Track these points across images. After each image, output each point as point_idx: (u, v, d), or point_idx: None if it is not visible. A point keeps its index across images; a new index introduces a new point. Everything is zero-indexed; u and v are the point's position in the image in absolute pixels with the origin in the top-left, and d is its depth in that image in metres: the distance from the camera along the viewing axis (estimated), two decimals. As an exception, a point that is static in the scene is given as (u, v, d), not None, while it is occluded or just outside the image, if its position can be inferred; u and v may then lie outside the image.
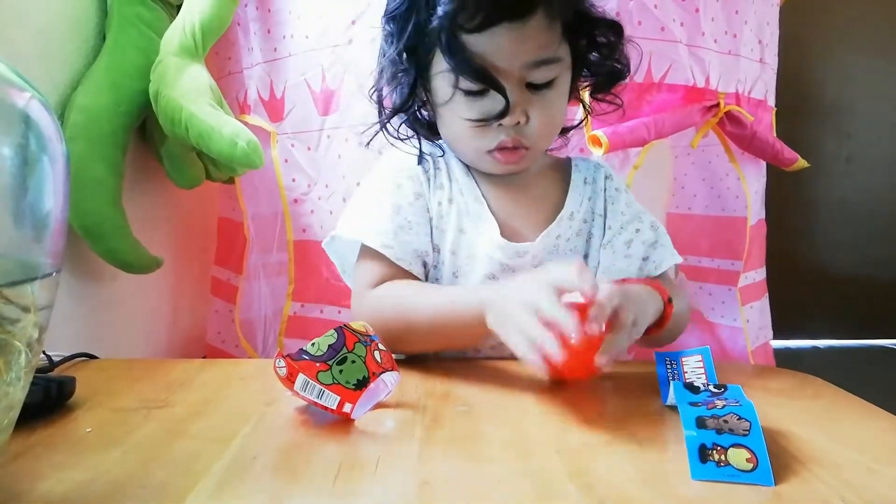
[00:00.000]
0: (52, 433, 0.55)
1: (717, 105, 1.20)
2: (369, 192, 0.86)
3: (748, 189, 1.33)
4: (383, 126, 0.86)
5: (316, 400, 0.56)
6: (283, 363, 0.57)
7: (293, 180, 1.18)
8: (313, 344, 0.57)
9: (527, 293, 0.59)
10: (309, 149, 1.16)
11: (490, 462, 0.51)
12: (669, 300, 0.71)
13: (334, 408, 0.56)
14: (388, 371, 0.60)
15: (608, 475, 0.48)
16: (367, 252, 0.80)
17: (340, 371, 0.56)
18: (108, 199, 0.97)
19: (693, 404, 0.54)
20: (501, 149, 0.79)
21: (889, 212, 2.59)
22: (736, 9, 1.19)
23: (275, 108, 1.17)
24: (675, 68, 1.13)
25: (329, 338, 0.58)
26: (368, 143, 0.86)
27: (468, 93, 0.75)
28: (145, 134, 1.12)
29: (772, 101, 1.36)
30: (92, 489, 0.45)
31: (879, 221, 2.59)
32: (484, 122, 0.76)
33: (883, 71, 2.52)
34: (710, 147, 1.35)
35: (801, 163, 1.39)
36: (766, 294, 1.49)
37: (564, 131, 0.93)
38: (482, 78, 0.73)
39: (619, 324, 0.61)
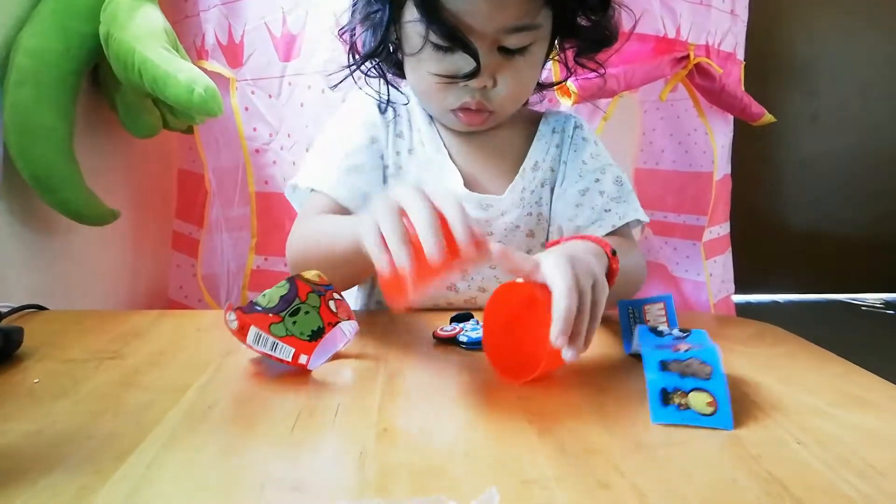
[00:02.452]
0: (-3, 385, 0.53)
1: (687, 57, 1.19)
2: (324, 138, 0.85)
3: (715, 144, 1.34)
4: (354, 70, 0.83)
5: (270, 352, 0.55)
6: (233, 316, 0.55)
7: (254, 130, 1.14)
8: (264, 295, 0.55)
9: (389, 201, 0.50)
10: (270, 96, 1.12)
11: (452, 410, 0.50)
12: (613, 252, 0.64)
13: (289, 360, 0.55)
14: (344, 320, 0.58)
15: (568, 420, 0.48)
16: (317, 194, 0.78)
17: (294, 322, 0.54)
18: (59, 147, 0.93)
19: (658, 347, 0.54)
20: (465, 109, 0.76)
21: (851, 171, 2.64)
22: (708, -42, 1.17)
23: (234, 54, 1.12)
24: (646, 17, 1.11)
25: (281, 289, 0.56)
26: (335, 87, 0.83)
27: (437, 47, 0.72)
28: (98, 79, 1.07)
29: (741, 55, 1.36)
30: (38, 440, 0.44)
31: (842, 180, 2.64)
32: (450, 79, 0.73)
33: (851, 30, 2.53)
34: (678, 102, 1.34)
35: (768, 117, 1.40)
36: (730, 248, 1.51)
37: (542, 87, 0.91)
38: (453, 38, 0.69)
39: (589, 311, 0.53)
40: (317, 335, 0.55)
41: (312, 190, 0.79)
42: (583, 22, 0.78)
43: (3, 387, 0.53)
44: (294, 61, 1.09)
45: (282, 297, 0.55)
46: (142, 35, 0.94)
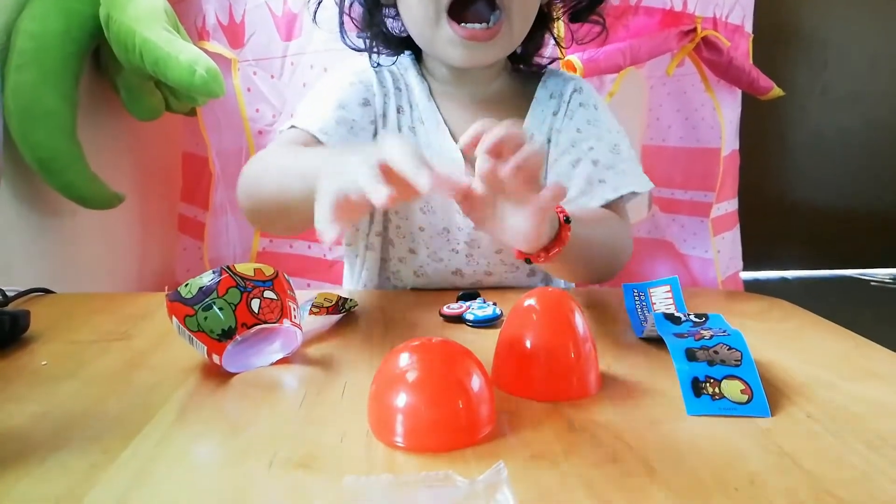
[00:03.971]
0: (5, 366, 0.53)
1: (694, 30, 1.17)
2: (318, 89, 0.82)
3: (723, 119, 1.32)
4: (342, 15, 0.81)
5: (189, 345, 0.51)
6: (165, 301, 0.51)
7: (257, 111, 1.14)
8: (187, 284, 0.51)
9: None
10: (272, 77, 1.11)
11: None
12: (567, 220, 0.59)
13: (207, 358, 0.51)
14: (268, 323, 0.51)
15: (602, 419, 0.45)
16: (295, 130, 0.75)
17: (205, 318, 0.49)
18: (62, 130, 0.93)
19: (678, 335, 0.52)
20: (469, 29, 0.71)
21: (860, 145, 2.61)
22: (715, -72, 1.15)
23: (235, 34, 1.11)
24: (652, -9, 1.09)
25: (204, 278, 0.51)
26: (314, 18, 0.81)
27: None
28: (100, 62, 1.07)
29: (749, 28, 1.34)
30: (46, 421, 0.44)
31: (851, 154, 2.61)
32: None
33: (858, 7, 2.49)
34: (685, 77, 1.32)
35: (777, 91, 1.38)
36: (738, 225, 1.50)
37: (536, 68, 0.88)
38: None
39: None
40: (227, 335, 0.50)
41: (292, 127, 0.75)
42: None
43: (11, 369, 0.53)
44: (295, 40, 1.08)
45: (201, 287, 0.50)
46: (142, 16, 0.93)
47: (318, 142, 0.73)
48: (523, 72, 0.87)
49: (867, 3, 2.47)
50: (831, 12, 2.47)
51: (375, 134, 0.79)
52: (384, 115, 0.80)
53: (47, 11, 0.92)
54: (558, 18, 0.86)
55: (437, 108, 0.81)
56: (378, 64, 0.82)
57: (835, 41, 2.50)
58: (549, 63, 0.89)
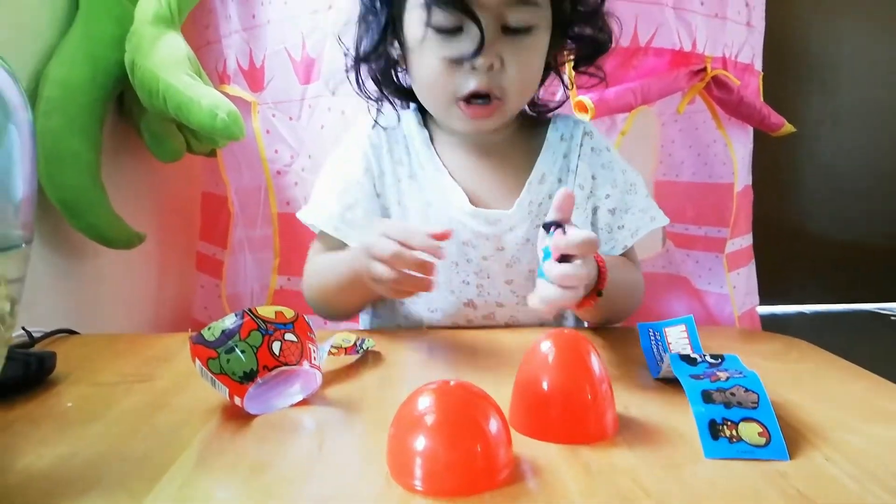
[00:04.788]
0: (32, 408, 0.55)
1: (704, 69, 1.19)
2: (326, 172, 0.89)
3: (735, 155, 1.33)
4: (354, 73, 0.84)
5: (212, 387, 0.52)
6: (188, 343, 0.53)
7: (275, 152, 1.16)
8: (210, 327, 0.52)
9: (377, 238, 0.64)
10: (291, 119, 1.14)
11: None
12: (604, 266, 0.66)
13: (228, 399, 0.52)
14: (288, 366, 0.52)
15: (620, 462, 0.45)
16: (322, 234, 0.85)
17: (228, 361, 0.51)
18: (87, 172, 0.95)
19: (694, 377, 0.52)
20: (472, 99, 0.76)
21: (874, 175, 2.59)
22: (722, -29, 1.17)
23: (255, 78, 1.14)
24: (661, 32, 1.11)
25: (227, 321, 0.52)
26: (334, 92, 0.86)
27: (441, 31, 0.73)
28: (123, 106, 1.10)
29: (759, 66, 1.35)
30: (73, 463, 0.45)
31: (865, 184, 2.59)
32: (457, 61, 0.73)
33: (869, 31, 2.49)
34: (696, 114, 1.34)
35: (788, 128, 1.39)
36: (753, 260, 1.50)
37: (545, 111, 0.91)
38: (457, 8, 0.70)
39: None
40: (248, 378, 0.51)
41: (321, 232, 0.85)
42: (578, 29, 0.81)
43: (38, 410, 0.54)
44: (314, 84, 1.11)
45: (224, 331, 0.51)
46: (165, 62, 0.96)
47: (335, 238, 0.82)
48: (531, 116, 0.90)
49: (875, 31, 2.48)
50: (840, 41, 2.48)
51: (386, 199, 0.85)
52: (382, 175, 0.85)
53: (74, 59, 0.95)
54: (565, 63, 0.88)
55: (437, 153, 0.84)
56: (376, 123, 0.86)
57: (845, 69, 2.50)
58: (559, 106, 0.92)
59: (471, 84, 0.75)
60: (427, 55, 0.75)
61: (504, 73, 0.75)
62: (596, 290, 0.66)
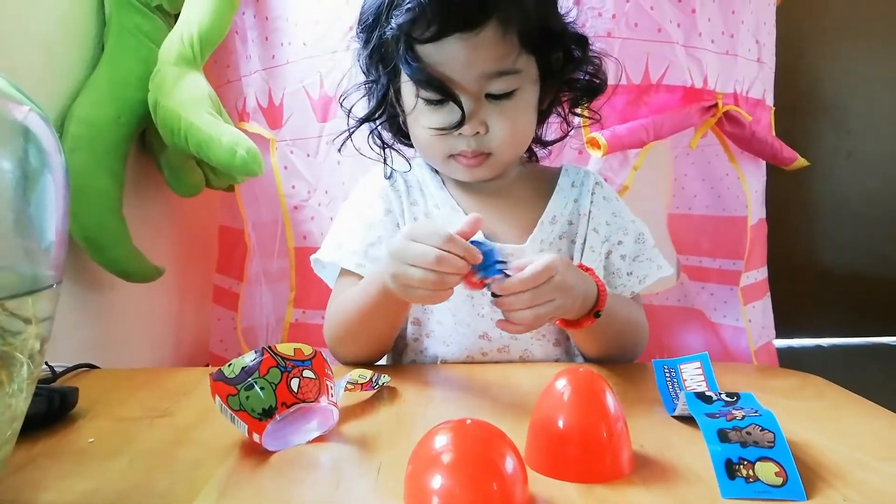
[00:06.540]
0: (54, 444, 0.55)
1: (716, 105, 1.20)
2: (344, 214, 0.91)
3: (748, 189, 1.33)
4: (352, 132, 0.87)
5: (231, 423, 0.53)
6: (209, 380, 0.54)
7: (293, 187, 1.18)
8: (230, 364, 0.53)
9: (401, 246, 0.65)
10: (308, 155, 1.16)
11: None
12: (603, 289, 0.72)
13: (246, 435, 0.53)
14: (306, 402, 0.53)
15: (635, 501, 0.45)
16: (344, 270, 0.85)
17: (247, 398, 0.51)
18: (110, 209, 0.98)
19: (710, 415, 0.52)
20: (463, 155, 0.80)
21: (890, 208, 2.58)
22: (732, 9, 1.19)
23: (273, 116, 1.17)
24: (672, 69, 1.13)
25: (246, 359, 0.53)
26: (340, 149, 0.87)
27: (428, 102, 0.77)
28: (145, 143, 1.13)
29: (770, 101, 1.36)
30: (95, 499, 0.46)
31: (880, 217, 2.58)
32: (442, 130, 0.77)
33: (881, 66, 2.51)
34: (709, 147, 1.35)
35: (801, 161, 1.39)
36: (768, 293, 1.49)
37: (546, 144, 0.94)
38: (437, 88, 0.74)
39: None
40: (267, 414, 0.51)
41: (342, 270, 0.85)
42: (570, 73, 0.83)
43: (59, 446, 0.55)
44: (331, 121, 1.13)
45: (244, 368, 0.52)
46: (187, 102, 0.99)
47: (360, 276, 0.82)
48: (537, 162, 0.94)
49: (887, 66, 2.49)
50: (852, 78, 2.49)
51: None
52: (402, 214, 0.87)
53: (101, 99, 0.98)
54: (562, 103, 0.90)
55: (451, 194, 0.86)
56: (393, 171, 0.89)
57: (857, 106, 2.51)
58: (556, 141, 0.95)
59: (460, 147, 0.79)
60: (420, 121, 0.80)
61: (491, 135, 0.78)
62: (594, 310, 0.71)
